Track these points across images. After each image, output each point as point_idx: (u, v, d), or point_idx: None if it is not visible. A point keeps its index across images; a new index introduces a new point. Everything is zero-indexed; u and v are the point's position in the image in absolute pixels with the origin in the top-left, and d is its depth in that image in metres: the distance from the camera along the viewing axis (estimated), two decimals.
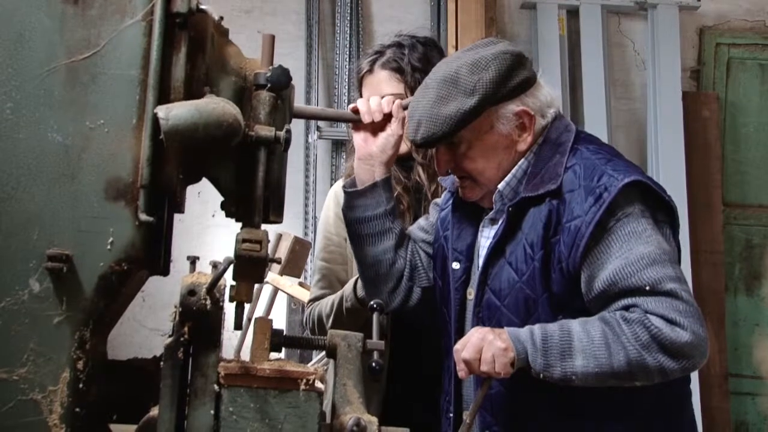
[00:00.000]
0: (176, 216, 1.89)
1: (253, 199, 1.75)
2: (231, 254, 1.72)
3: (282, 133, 1.75)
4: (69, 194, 1.69)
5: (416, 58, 2.71)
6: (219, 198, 1.81)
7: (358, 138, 2.41)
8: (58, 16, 1.71)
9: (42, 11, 1.71)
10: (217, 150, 1.73)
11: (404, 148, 2.64)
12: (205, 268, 1.84)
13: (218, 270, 1.63)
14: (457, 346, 2.11)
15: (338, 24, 5.59)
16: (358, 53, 5.55)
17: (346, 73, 5.52)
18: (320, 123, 5.48)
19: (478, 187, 2.24)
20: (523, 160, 2.21)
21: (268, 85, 1.78)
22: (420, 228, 2.50)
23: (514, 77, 2.17)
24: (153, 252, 1.78)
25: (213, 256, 2.07)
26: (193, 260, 1.96)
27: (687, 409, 2.28)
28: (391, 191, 2.43)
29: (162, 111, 1.64)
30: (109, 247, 1.69)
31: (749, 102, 5.88)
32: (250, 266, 1.73)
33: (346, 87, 5.50)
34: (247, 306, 1.81)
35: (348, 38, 5.57)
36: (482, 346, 2.06)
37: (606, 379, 2.03)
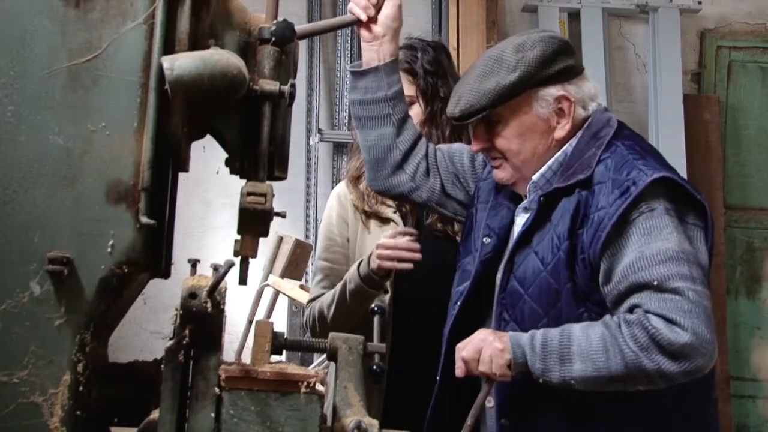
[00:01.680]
0: (177, 219, 1.89)
1: (258, 154, 1.75)
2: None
3: (286, 88, 1.75)
4: (70, 197, 1.69)
5: (427, 61, 2.71)
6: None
7: (362, 26, 2.39)
8: (60, 19, 1.71)
9: (43, 14, 1.71)
10: (221, 103, 1.73)
11: None
12: (206, 271, 1.84)
13: (219, 273, 1.63)
14: (459, 345, 2.13)
15: None
16: (359, 55, 5.52)
17: (348, 75, 5.51)
18: (322, 125, 5.48)
19: (511, 169, 2.23)
20: (560, 152, 2.20)
21: (273, 40, 1.78)
22: (460, 162, 2.47)
23: (558, 62, 2.18)
24: (154, 255, 1.78)
25: (214, 258, 2.07)
26: (194, 263, 1.97)
27: (710, 415, 2.24)
28: (395, 75, 2.42)
29: (167, 61, 1.64)
30: (109, 249, 1.69)
31: (750, 105, 5.87)
32: (254, 219, 1.74)
33: (348, 89, 5.50)
34: (248, 305, 1.81)
35: (349, 40, 5.57)
36: (482, 347, 2.07)
37: (606, 384, 2.02)
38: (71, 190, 1.69)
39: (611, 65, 5.73)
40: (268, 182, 1.77)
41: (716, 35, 5.93)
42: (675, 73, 5.63)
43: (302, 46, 5.52)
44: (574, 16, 5.72)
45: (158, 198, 1.74)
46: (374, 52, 2.39)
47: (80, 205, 1.69)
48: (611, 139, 2.18)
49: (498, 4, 5.69)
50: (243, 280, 1.77)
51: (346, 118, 5.41)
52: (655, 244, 2.02)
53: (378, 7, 2.37)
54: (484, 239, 2.29)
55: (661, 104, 5.58)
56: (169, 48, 1.71)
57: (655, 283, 1.99)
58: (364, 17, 2.36)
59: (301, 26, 2.09)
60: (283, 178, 1.85)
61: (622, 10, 5.81)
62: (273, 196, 1.74)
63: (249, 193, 1.72)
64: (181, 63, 1.64)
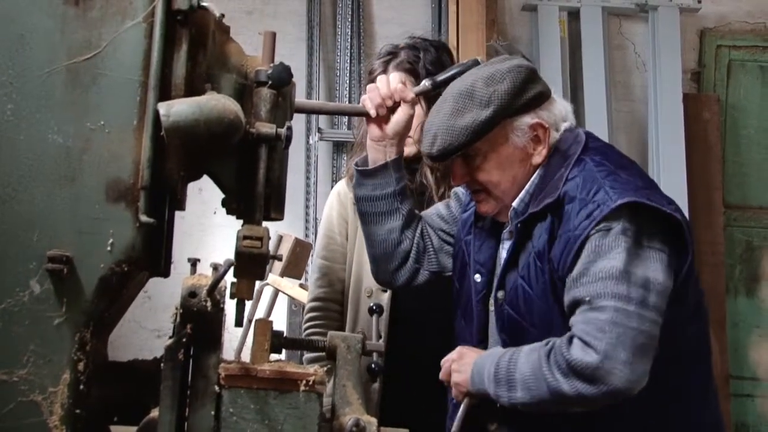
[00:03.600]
0: (177, 218, 1.89)
1: (254, 196, 1.75)
2: (232, 255, 1.72)
3: (283, 131, 1.75)
4: (69, 196, 1.69)
5: (430, 61, 2.70)
6: (220, 197, 1.81)
7: (371, 122, 2.41)
8: (59, 17, 1.71)
9: (43, 12, 1.71)
10: (218, 147, 1.73)
11: (412, 150, 2.63)
12: (205, 271, 1.84)
13: (219, 272, 1.63)
14: (443, 361, 2.23)
15: (339, 26, 5.59)
16: (359, 55, 5.55)
17: (347, 74, 5.52)
18: (321, 124, 5.48)
19: (493, 201, 2.24)
20: (535, 175, 2.21)
21: (269, 83, 1.78)
22: (439, 216, 2.51)
23: (528, 90, 2.17)
24: (153, 253, 1.79)
25: (214, 257, 2.07)
26: (194, 262, 1.97)
27: (710, 408, 2.26)
28: (402, 171, 2.43)
29: (163, 108, 1.64)
30: (109, 248, 1.69)
31: (750, 104, 5.87)
32: (250, 263, 1.74)
33: (347, 88, 5.50)
34: (248, 304, 1.82)
35: (349, 40, 5.56)
36: (450, 372, 2.20)
37: (545, 408, 2.06)
38: (71, 188, 1.69)
39: (611, 64, 5.73)
40: (264, 224, 1.78)
41: (716, 34, 5.92)
42: (675, 72, 5.63)
43: (302, 44, 5.53)
44: (573, 15, 5.72)
45: (158, 197, 1.74)
46: (381, 152, 2.40)
47: (80, 204, 1.69)
48: (580, 155, 2.17)
49: (498, 3, 5.69)
50: (239, 322, 1.77)
51: (346, 117, 5.40)
52: (600, 262, 2.02)
53: (392, 110, 2.38)
54: (476, 277, 2.31)
55: (661, 103, 5.58)
56: (165, 91, 1.71)
57: (587, 299, 2.01)
58: (373, 114, 2.37)
59: (311, 102, 2.10)
60: (279, 219, 1.85)
61: (621, 9, 5.81)
62: (269, 239, 1.75)
63: (245, 237, 1.73)
64: (178, 109, 1.64)
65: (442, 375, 2.23)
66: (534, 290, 2.13)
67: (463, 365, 2.19)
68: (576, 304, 2.03)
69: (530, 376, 2.04)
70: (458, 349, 2.25)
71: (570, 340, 2.01)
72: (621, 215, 2.03)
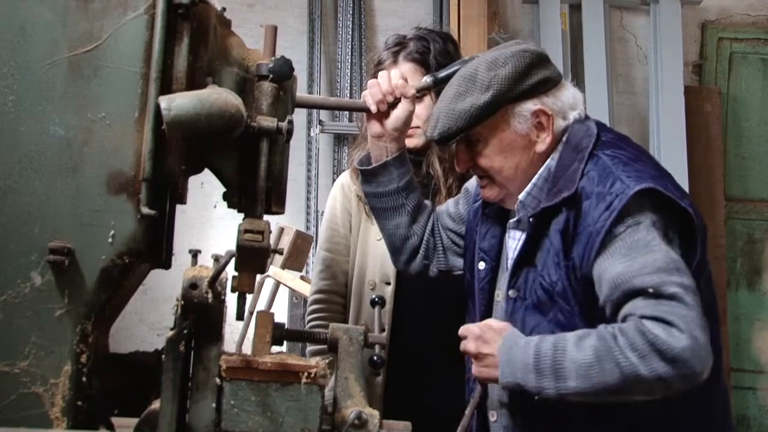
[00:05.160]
0: (178, 209, 1.89)
1: (255, 190, 1.76)
2: (233, 247, 1.72)
3: (284, 124, 1.76)
4: (71, 187, 1.69)
5: (438, 52, 2.69)
6: (221, 190, 1.81)
7: (371, 118, 2.41)
8: (61, 9, 1.71)
9: (44, 4, 1.71)
10: (219, 141, 1.73)
11: (418, 141, 2.63)
12: (206, 262, 1.84)
13: (220, 263, 1.63)
14: (462, 331, 2.13)
15: (340, 18, 5.59)
16: (360, 47, 5.54)
17: (348, 67, 5.51)
18: (322, 117, 5.48)
19: (497, 188, 2.21)
20: (543, 168, 2.17)
21: (271, 76, 1.78)
22: (448, 215, 2.51)
23: (532, 75, 2.14)
24: (155, 245, 1.79)
25: (215, 249, 2.07)
26: (195, 254, 1.97)
27: (716, 411, 2.21)
28: (404, 167, 2.43)
29: (164, 101, 1.64)
30: (110, 240, 1.69)
31: (751, 97, 5.87)
32: (251, 257, 1.74)
33: (348, 81, 5.49)
34: (249, 297, 1.82)
35: (350, 32, 5.56)
36: (476, 355, 2.10)
37: (603, 397, 1.98)
38: (72, 180, 1.70)
39: (612, 57, 5.72)
40: (265, 217, 1.78)
41: (717, 27, 5.92)
42: (676, 64, 5.62)
43: (303, 37, 5.53)
44: (575, 8, 5.71)
45: (159, 189, 1.74)
46: (382, 148, 2.40)
47: (81, 196, 1.70)
48: (593, 150, 2.14)
49: None
50: (240, 316, 1.77)
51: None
52: (643, 257, 1.97)
53: (392, 106, 2.38)
54: (480, 264, 2.29)
55: (662, 96, 5.57)
56: (166, 86, 1.71)
57: (651, 290, 1.94)
58: (374, 110, 2.37)
59: (311, 97, 2.08)
60: (280, 213, 1.85)
61: (623, 1, 5.80)
62: (270, 232, 1.75)
63: (246, 231, 1.73)
64: (179, 103, 1.64)
65: (462, 347, 2.14)
66: (556, 289, 2.08)
67: (487, 359, 2.10)
68: (633, 294, 1.96)
69: (592, 362, 1.94)
70: (480, 326, 2.13)
71: (643, 323, 1.92)
72: (644, 207, 2.01)
